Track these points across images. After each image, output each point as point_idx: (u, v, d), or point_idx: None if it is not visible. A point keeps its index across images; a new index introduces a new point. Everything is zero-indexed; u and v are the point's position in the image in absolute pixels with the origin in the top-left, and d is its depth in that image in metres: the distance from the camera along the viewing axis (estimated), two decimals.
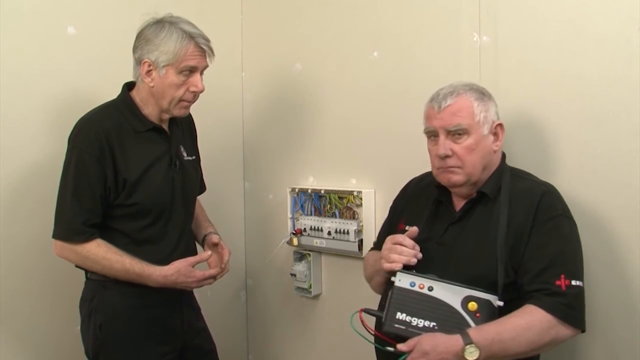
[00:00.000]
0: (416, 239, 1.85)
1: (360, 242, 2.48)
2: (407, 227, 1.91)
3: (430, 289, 1.74)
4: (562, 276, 1.69)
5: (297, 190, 2.69)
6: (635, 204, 1.86)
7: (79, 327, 2.16)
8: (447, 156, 1.81)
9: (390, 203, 2.14)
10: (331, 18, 2.63)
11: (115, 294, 2.10)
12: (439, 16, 2.29)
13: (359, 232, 2.48)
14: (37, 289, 2.43)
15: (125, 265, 2.05)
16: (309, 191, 2.65)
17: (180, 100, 2.12)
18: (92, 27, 2.52)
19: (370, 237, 2.43)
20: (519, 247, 1.75)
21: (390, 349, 1.70)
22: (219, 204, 2.71)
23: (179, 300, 2.19)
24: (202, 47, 2.09)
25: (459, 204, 1.90)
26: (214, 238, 2.28)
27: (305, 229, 2.65)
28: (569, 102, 1.99)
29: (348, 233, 2.49)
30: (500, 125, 1.89)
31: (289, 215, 2.71)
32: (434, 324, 1.71)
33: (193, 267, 2.12)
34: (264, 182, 2.92)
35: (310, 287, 2.68)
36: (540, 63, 2.04)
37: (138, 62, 2.11)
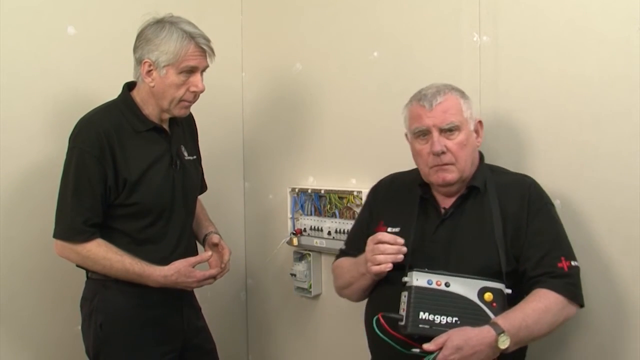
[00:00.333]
0: (409, 239, 1.84)
1: None
2: (389, 229, 1.92)
3: (447, 284, 1.74)
4: (562, 258, 1.79)
5: (297, 190, 2.69)
6: (635, 204, 1.86)
7: (79, 327, 2.16)
8: (442, 152, 1.85)
9: None
10: (331, 18, 2.63)
11: (116, 294, 2.10)
12: (439, 16, 2.29)
13: None
14: (38, 289, 2.43)
15: (126, 265, 2.05)
16: (309, 191, 2.65)
17: (181, 100, 2.12)
18: (92, 27, 2.52)
19: None
20: (518, 236, 1.82)
21: (416, 350, 1.67)
22: (219, 203, 2.70)
23: (179, 300, 2.19)
24: (202, 47, 2.09)
25: (443, 201, 1.94)
26: (214, 238, 2.28)
27: (305, 229, 2.65)
28: (569, 102, 1.99)
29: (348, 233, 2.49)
30: (480, 122, 1.95)
31: (289, 215, 2.71)
32: (456, 318, 1.71)
33: (193, 267, 2.12)
34: (264, 182, 2.92)
35: (310, 287, 2.68)
36: (540, 63, 2.04)
37: (138, 62, 2.11)
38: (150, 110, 2.14)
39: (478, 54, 2.19)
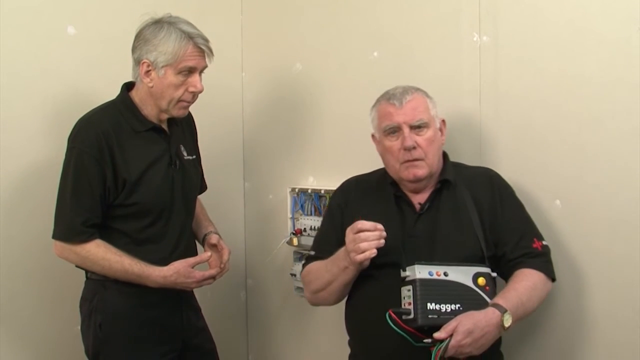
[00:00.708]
0: (388, 236, 1.87)
1: None
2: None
3: (446, 274, 1.81)
4: (535, 239, 1.93)
5: (297, 190, 2.69)
6: (635, 204, 1.86)
7: (79, 327, 2.16)
8: (413, 147, 1.92)
9: None
10: (331, 18, 2.63)
11: (115, 294, 2.10)
12: (439, 16, 2.29)
13: None
14: (38, 289, 2.43)
15: (125, 265, 2.05)
16: (309, 191, 2.65)
17: (179, 100, 2.11)
18: (92, 27, 2.52)
19: None
20: (495, 222, 1.94)
21: (428, 340, 1.72)
22: (219, 203, 2.70)
23: (179, 300, 2.19)
24: (201, 48, 2.09)
25: (414, 197, 2.01)
26: (213, 238, 2.28)
27: (305, 229, 2.65)
28: (569, 102, 1.99)
29: None
30: (444, 121, 2.04)
31: (289, 215, 2.71)
32: (459, 305, 1.78)
33: (193, 267, 2.12)
34: (264, 182, 2.92)
35: None
36: (540, 63, 2.04)
37: (137, 62, 2.11)
38: (149, 110, 2.14)
39: (478, 54, 2.19)
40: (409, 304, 1.77)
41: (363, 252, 1.82)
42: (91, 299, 2.12)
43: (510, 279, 1.88)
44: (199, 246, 2.33)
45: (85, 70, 2.50)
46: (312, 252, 2.13)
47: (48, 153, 2.36)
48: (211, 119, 2.69)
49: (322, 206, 2.61)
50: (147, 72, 2.09)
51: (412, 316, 1.75)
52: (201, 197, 2.42)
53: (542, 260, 1.91)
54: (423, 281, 1.78)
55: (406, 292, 1.79)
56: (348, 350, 2.11)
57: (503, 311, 1.75)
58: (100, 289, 2.11)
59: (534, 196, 2.07)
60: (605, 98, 1.91)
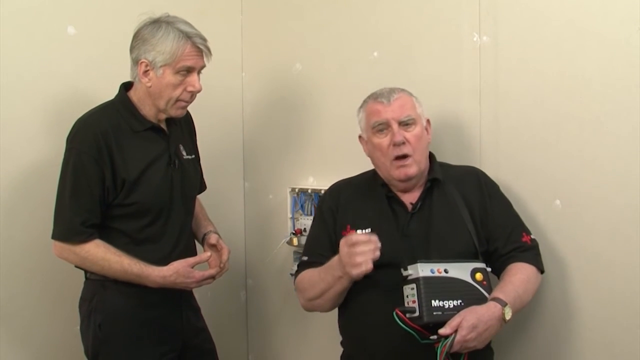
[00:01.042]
0: (383, 236, 1.88)
1: None
2: (359, 231, 1.93)
3: (446, 271, 1.84)
4: (524, 233, 1.98)
5: (297, 190, 2.69)
6: (635, 204, 1.86)
7: (78, 327, 2.16)
8: (402, 143, 1.95)
9: None
10: (331, 18, 2.63)
11: (114, 294, 2.10)
12: (439, 16, 2.29)
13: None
14: (38, 289, 2.43)
15: (124, 265, 2.05)
16: (309, 191, 2.65)
17: (178, 100, 2.11)
18: (92, 27, 2.52)
19: None
20: (486, 219, 1.98)
21: (434, 337, 1.74)
22: (219, 203, 2.70)
23: (178, 300, 2.19)
24: (199, 47, 2.09)
25: (405, 197, 2.03)
26: (212, 238, 2.28)
27: (305, 229, 2.65)
28: (568, 102, 1.99)
29: None
30: (429, 120, 2.07)
31: (289, 215, 2.71)
32: (460, 301, 1.80)
33: (192, 267, 2.12)
34: (264, 182, 2.92)
35: None
36: (540, 63, 2.04)
37: (135, 62, 2.11)
38: (147, 110, 2.14)
39: (478, 54, 2.19)
40: (413, 302, 1.78)
41: (359, 265, 1.82)
42: (90, 299, 2.12)
43: (504, 273, 1.93)
44: (198, 245, 2.33)
45: (85, 70, 2.49)
46: (305, 258, 2.12)
47: (48, 153, 2.36)
48: (211, 119, 2.69)
49: None
50: (146, 71, 2.08)
51: (417, 314, 1.77)
52: (201, 197, 2.42)
53: (532, 254, 1.96)
54: (426, 279, 1.79)
55: (409, 290, 1.81)
56: None
57: (504, 304, 1.79)
58: (99, 289, 2.11)
59: (534, 196, 2.07)
60: (605, 98, 1.91)
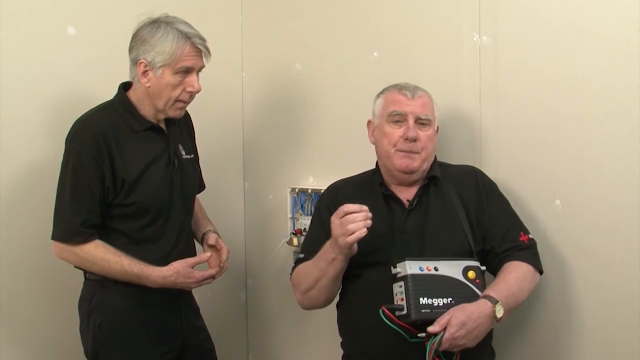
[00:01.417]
0: (378, 235, 1.90)
1: None
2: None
3: (436, 268, 1.83)
4: (521, 233, 1.96)
5: (297, 190, 2.69)
6: (635, 204, 1.87)
7: (78, 327, 2.16)
8: (414, 140, 1.96)
9: None
10: (331, 18, 2.63)
11: (114, 294, 2.10)
12: (439, 16, 2.29)
13: None
14: (38, 289, 2.42)
15: (124, 266, 2.05)
16: (309, 191, 2.65)
17: (177, 100, 2.11)
18: (92, 28, 2.52)
19: None
20: (482, 218, 1.98)
21: (422, 335, 1.73)
22: (219, 204, 2.70)
23: (178, 300, 2.19)
24: (198, 47, 2.09)
25: (402, 194, 2.03)
26: (211, 238, 2.27)
27: (305, 229, 2.65)
28: (568, 102, 1.99)
29: None
30: (438, 127, 2.08)
31: (289, 215, 2.71)
32: (450, 299, 1.79)
33: (192, 267, 2.12)
34: (264, 182, 2.92)
35: None
36: (540, 63, 2.05)
37: (134, 62, 2.10)
38: (146, 110, 2.14)
39: (478, 54, 2.19)
40: (402, 299, 1.78)
41: (352, 233, 1.82)
42: (90, 300, 2.12)
43: (499, 272, 1.92)
44: (198, 245, 2.33)
45: (85, 70, 2.49)
46: (301, 255, 2.13)
47: (48, 153, 2.36)
48: (211, 119, 2.69)
49: None
50: (145, 72, 2.08)
51: (405, 312, 1.76)
52: (201, 197, 2.42)
53: (529, 253, 1.94)
54: (414, 276, 1.79)
55: (398, 288, 1.81)
56: None
57: (494, 302, 1.77)
58: (99, 289, 2.11)
59: (534, 196, 2.07)
60: (605, 98, 1.91)
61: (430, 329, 1.72)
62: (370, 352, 1.94)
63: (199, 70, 2.13)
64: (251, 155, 2.99)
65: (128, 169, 2.07)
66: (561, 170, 2.01)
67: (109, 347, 2.09)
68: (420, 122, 1.99)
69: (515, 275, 1.88)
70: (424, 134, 1.99)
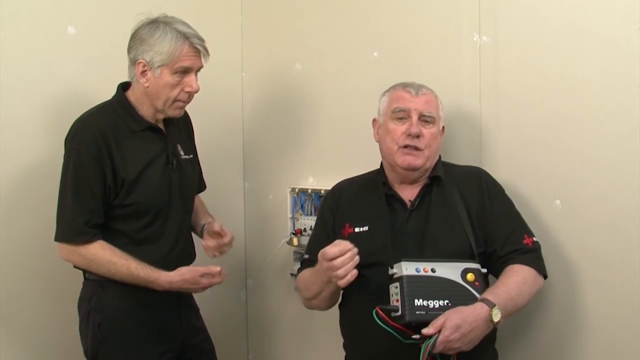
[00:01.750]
0: (380, 234, 1.90)
1: None
2: (356, 229, 1.98)
3: (433, 270, 1.81)
4: (525, 235, 1.93)
5: (297, 190, 2.69)
6: (635, 203, 1.86)
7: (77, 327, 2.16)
8: (417, 136, 1.95)
9: None
10: (331, 18, 2.63)
11: (113, 294, 2.10)
12: (439, 16, 2.29)
13: None
14: (38, 289, 2.42)
15: (131, 269, 2.05)
16: (309, 191, 2.65)
17: (175, 100, 2.11)
18: (92, 28, 2.52)
19: None
20: (484, 219, 1.95)
21: (416, 336, 1.72)
22: (219, 203, 2.70)
23: (177, 300, 2.19)
24: (196, 47, 2.09)
25: (404, 194, 2.02)
26: (216, 226, 2.26)
27: (305, 229, 2.65)
28: (569, 102, 1.99)
29: None
30: (443, 128, 2.07)
31: (289, 215, 2.71)
32: (447, 301, 1.77)
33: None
34: (264, 182, 2.92)
35: None
36: (540, 63, 2.04)
37: (133, 62, 2.10)
38: (145, 110, 2.14)
39: (478, 54, 2.19)
40: (397, 300, 1.77)
41: (344, 277, 1.81)
42: (89, 299, 2.12)
43: (500, 275, 1.89)
44: (197, 245, 2.33)
45: (85, 70, 2.49)
46: (306, 256, 2.13)
47: (48, 153, 2.36)
48: (211, 119, 2.69)
49: None
50: (143, 72, 2.08)
51: (399, 313, 1.76)
52: (201, 197, 2.42)
53: (532, 256, 1.91)
54: (410, 277, 1.78)
55: (394, 289, 1.80)
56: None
57: (491, 306, 1.74)
58: (98, 289, 2.11)
59: (534, 196, 2.07)
60: (605, 98, 1.91)
61: (425, 331, 1.70)
62: (370, 353, 1.94)
63: (198, 70, 2.12)
64: (251, 155, 2.99)
65: (127, 168, 2.07)
66: (561, 170, 2.01)
67: (108, 347, 2.09)
68: (424, 119, 1.98)
69: (515, 278, 1.84)
70: (427, 131, 1.98)
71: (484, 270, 1.88)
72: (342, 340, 2.13)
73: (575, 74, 1.97)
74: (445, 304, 1.77)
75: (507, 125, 2.14)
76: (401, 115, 1.99)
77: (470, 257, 1.90)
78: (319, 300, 2.01)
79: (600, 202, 1.93)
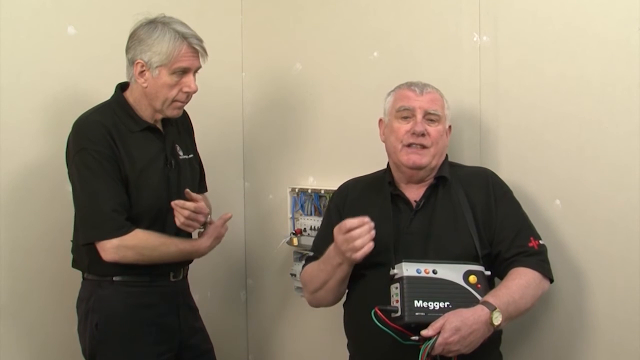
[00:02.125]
0: (385, 234, 1.89)
1: None
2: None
3: (435, 271, 1.80)
4: (531, 238, 1.91)
5: (297, 190, 2.69)
6: (635, 203, 1.86)
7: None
8: (422, 134, 1.94)
9: None
10: (331, 18, 2.63)
11: (111, 294, 2.10)
12: (439, 16, 2.29)
13: None
14: (38, 289, 2.42)
15: (179, 246, 2.12)
16: (309, 191, 2.65)
17: (174, 100, 2.11)
18: (92, 27, 2.52)
19: None
20: (489, 221, 1.93)
21: (415, 338, 1.72)
22: (219, 204, 2.69)
23: (175, 300, 2.20)
24: (195, 48, 2.09)
25: (411, 194, 2.01)
26: (193, 195, 2.21)
27: (305, 229, 2.65)
28: (568, 102, 1.99)
29: None
30: (450, 127, 2.06)
31: (289, 215, 2.71)
32: (448, 303, 1.76)
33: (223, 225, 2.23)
34: (264, 182, 2.92)
35: None
36: (541, 63, 2.04)
37: (131, 62, 2.10)
38: (143, 110, 2.14)
39: (478, 54, 2.19)
40: (397, 301, 1.77)
41: (360, 249, 1.81)
42: (88, 299, 2.12)
43: (504, 278, 1.87)
44: None
45: (85, 70, 2.49)
46: (311, 254, 2.13)
47: (48, 153, 2.36)
48: (211, 118, 2.69)
49: (322, 206, 2.60)
50: (141, 72, 2.08)
51: (399, 314, 1.75)
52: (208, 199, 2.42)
53: (537, 259, 1.88)
54: (410, 278, 1.77)
55: (394, 289, 1.79)
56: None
57: (492, 309, 1.73)
58: (96, 289, 2.11)
59: (534, 196, 2.07)
60: (605, 98, 1.91)
61: (424, 332, 1.70)
62: (374, 353, 1.93)
63: (196, 70, 2.12)
64: (251, 155, 2.99)
65: (131, 168, 2.08)
66: (561, 170, 2.01)
67: (106, 347, 2.09)
68: (429, 117, 1.97)
69: (519, 282, 1.82)
70: (433, 129, 1.96)
71: (488, 273, 1.86)
72: (341, 341, 2.13)
73: (575, 74, 1.97)
74: (446, 305, 1.75)
75: (507, 125, 2.14)
76: (406, 114, 1.99)
77: (474, 259, 1.87)
78: (325, 290, 1.99)
79: (600, 201, 1.93)
